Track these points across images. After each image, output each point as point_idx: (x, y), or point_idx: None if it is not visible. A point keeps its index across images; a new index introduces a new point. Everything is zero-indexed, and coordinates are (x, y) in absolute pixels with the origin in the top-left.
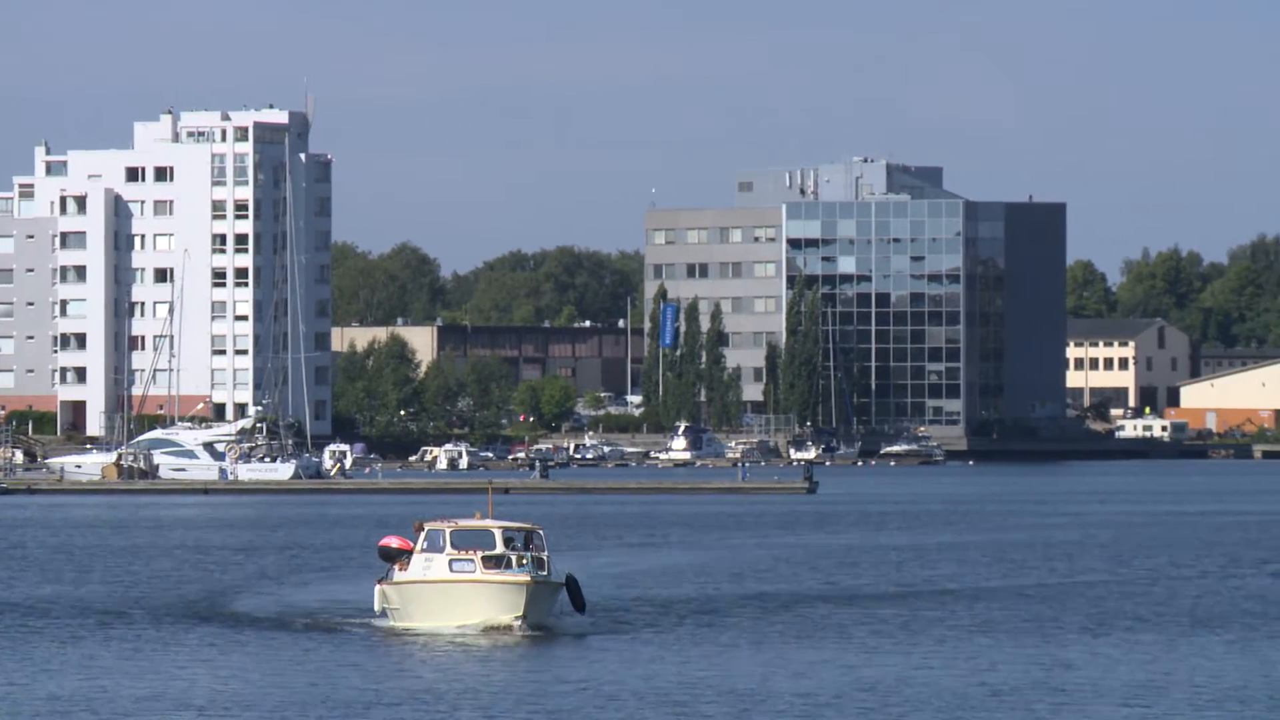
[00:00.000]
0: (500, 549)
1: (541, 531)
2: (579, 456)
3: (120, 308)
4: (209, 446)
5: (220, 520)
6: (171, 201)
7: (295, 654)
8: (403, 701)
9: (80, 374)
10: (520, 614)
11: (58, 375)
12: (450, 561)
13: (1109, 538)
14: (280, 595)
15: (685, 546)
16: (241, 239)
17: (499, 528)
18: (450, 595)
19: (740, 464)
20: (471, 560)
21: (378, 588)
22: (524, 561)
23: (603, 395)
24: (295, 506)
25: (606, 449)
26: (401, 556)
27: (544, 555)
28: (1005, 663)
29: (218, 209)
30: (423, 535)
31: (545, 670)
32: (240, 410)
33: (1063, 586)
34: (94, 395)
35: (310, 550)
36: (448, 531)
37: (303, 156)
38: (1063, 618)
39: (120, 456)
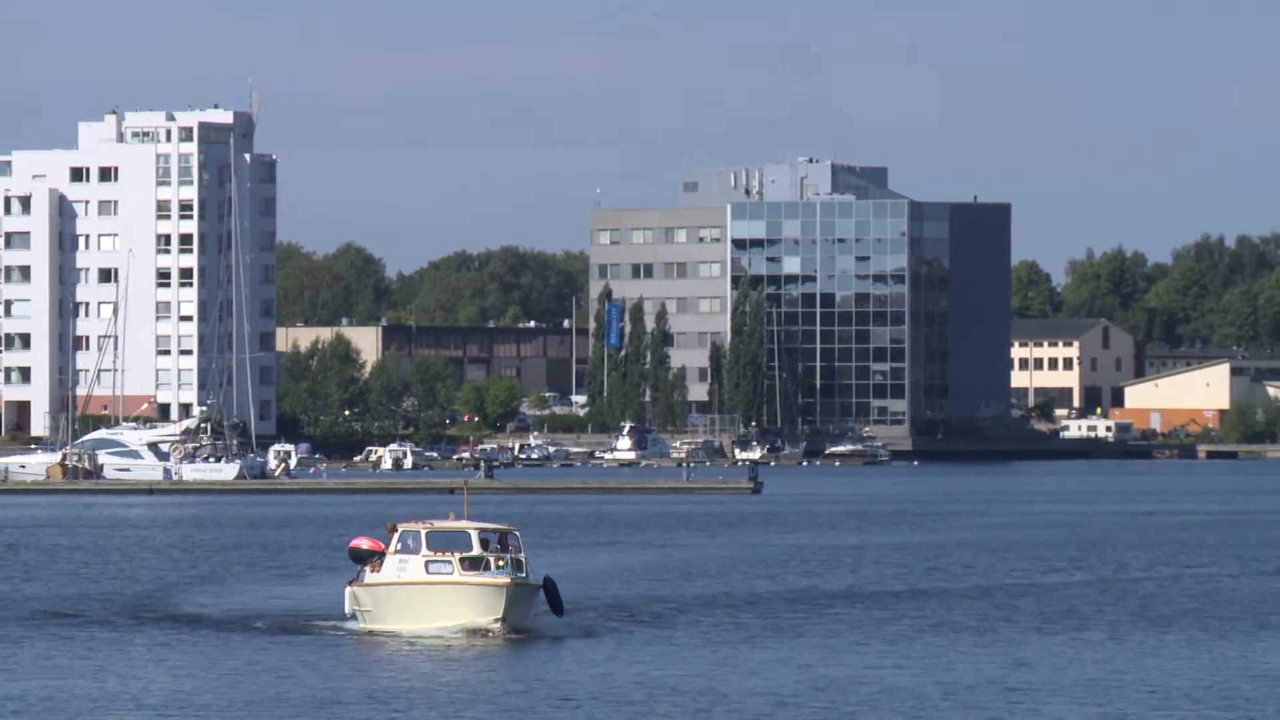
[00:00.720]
0: (477, 550)
1: (517, 533)
2: (524, 456)
3: (65, 308)
4: (153, 446)
5: (167, 520)
6: (116, 202)
7: (258, 655)
8: (359, 701)
9: (25, 374)
10: (499, 616)
11: (2, 375)
12: (426, 563)
13: (1058, 538)
14: (233, 596)
15: (633, 546)
16: (186, 239)
17: (475, 529)
18: (427, 597)
19: (685, 464)
20: (449, 562)
21: (348, 589)
22: (503, 563)
23: (548, 395)
24: (241, 506)
25: (551, 449)
26: (372, 558)
27: (522, 557)
28: (960, 662)
29: (162, 209)
30: (396, 537)
31: (500, 670)
32: (185, 410)
33: (1014, 587)
34: (38, 395)
35: (259, 549)
36: (423, 533)
37: (247, 157)
38: (1014, 617)
39: (65, 456)
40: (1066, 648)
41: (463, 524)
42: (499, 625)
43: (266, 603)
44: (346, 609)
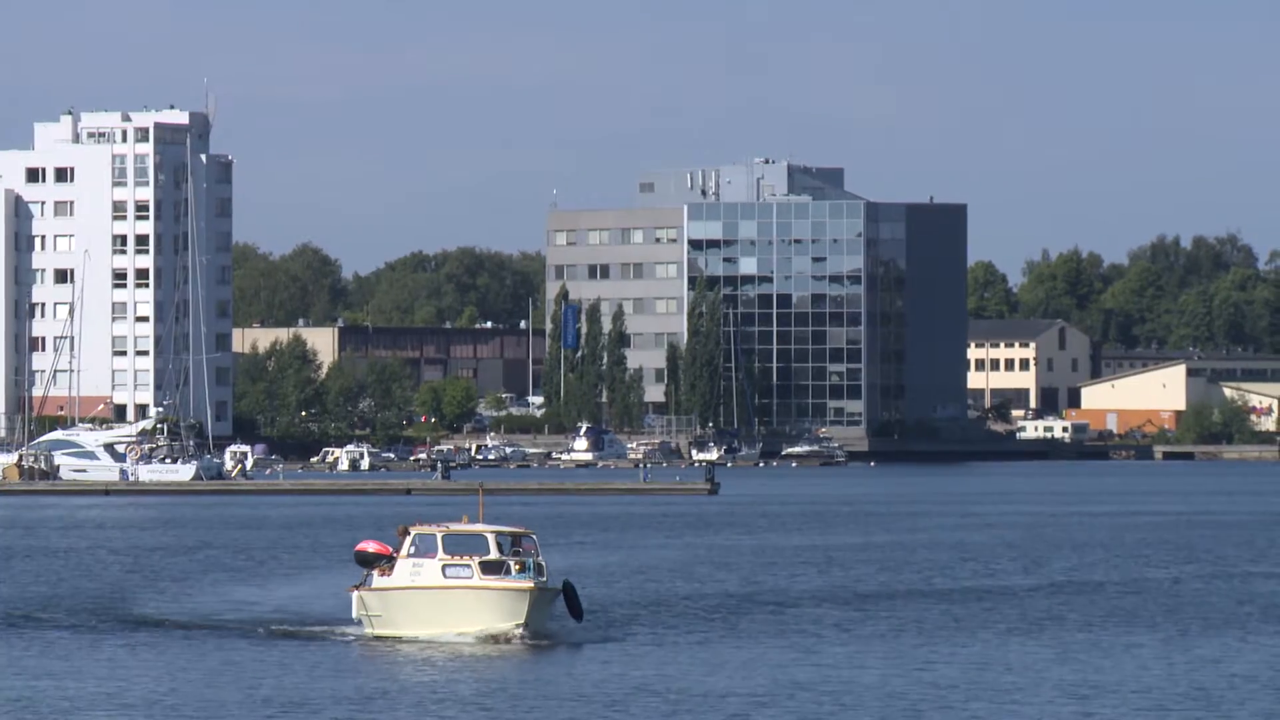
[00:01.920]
0: (494, 554)
1: (534, 535)
2: (481, 457)
3: (20, 309)
4: (110, 447)
5: (124, 521)
6: (72, 202)
7: (259, 657)
8: (339, 701)
9: None
10: (522, 622)
11: None
12: (443, 567)
13: (1020, 539)
14: (208, 598)
15: (595, 547)
16: (142, 240)
17: (491, 532)
18: (445, 602)
19: (642, 465)
20: (468, 565)
21: (355, 594)
22: (523, 567)
23: (504, 396)
24: (197, 508)
25: (508, 450)
26: (380, 561)
27: (541, 560)
28: (939, 662)
29: (118, 210)
30: (409, 539)
31: (480, 671)
32: (141, 411)
33: (983, 588)
34: None
35: (223, 551)
36: (439, 536)
37: (203, 157)
38: (986, 617)
39: (21, 457)
40: (1041, 648)
41: (478, 527)
42: (521, 631)
43: (239, 605)
44: (353, 614)
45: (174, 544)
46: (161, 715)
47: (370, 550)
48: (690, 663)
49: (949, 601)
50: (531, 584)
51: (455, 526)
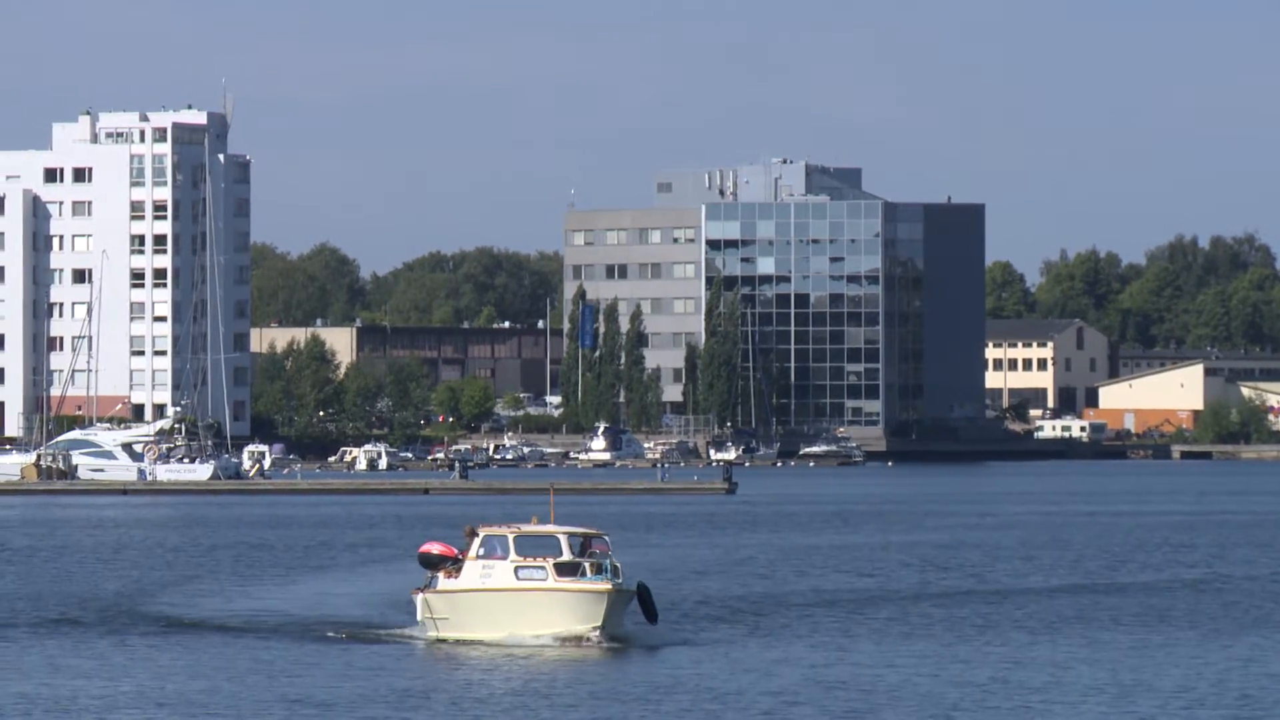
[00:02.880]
0: (567, 555)
1: (607, 537)
2: (499, 457)
3: (39, 308)
4: (128, 447)
5: (144, 520)
6: (90, 202)
7: (327, 665)
8: (375, 701)
9: None
10: (598, 624)
11: None
12: (516, 569)
13: (1043, 538)
14: (237, 598)
15: (617, 547)
16: (160, 240)
17: (564, 533)
18: (519, 605)
19: (660, 464)
20: (543, 567)
21: (419, 597)
22: (599, 569)
23: (522, 396)
24: (215, 507)
25: (526, 449)
26: (445, 563)
27: (616, 562)
28: (969, 661)
29: (136, 210)
30: (478, 541)
31: (505, 670)
32: (159, 411)
33: (1009, 588)
34: (12, 396)
35: (247, 550)
36: (510, 537)
37: (221, 157)
38: (1015, 617)
39: (39, 457)
40: (1071, 648)
41: (550, 528)
42: (597, 633)
43: (269, 606)
44: (418, 616)
45: (194, 544)
46: (197, 715)
47: (435, 552)
48: (721, 661)
49: (977, 601)
50: (609, 586)
51: (527, 528)
